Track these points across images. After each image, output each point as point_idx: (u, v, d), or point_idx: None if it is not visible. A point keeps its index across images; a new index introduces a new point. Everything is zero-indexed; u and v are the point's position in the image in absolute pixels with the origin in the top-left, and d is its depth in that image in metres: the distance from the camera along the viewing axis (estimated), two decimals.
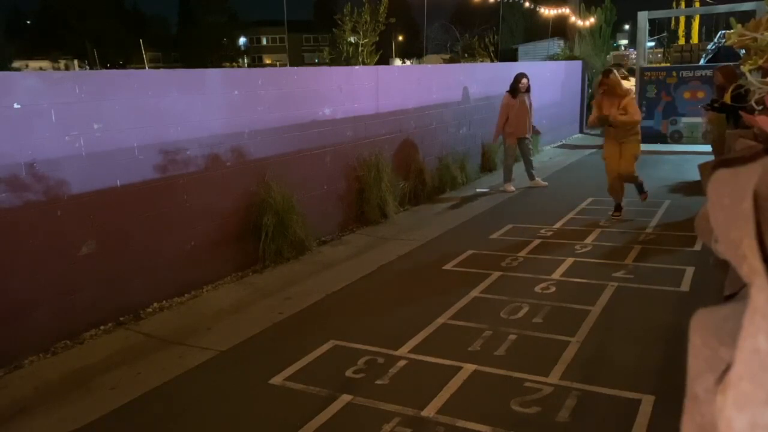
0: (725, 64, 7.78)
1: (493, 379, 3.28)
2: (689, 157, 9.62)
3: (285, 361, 3.58)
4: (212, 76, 5.16)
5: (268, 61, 60.88)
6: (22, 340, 3.77)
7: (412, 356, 3.58)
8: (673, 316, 3.98)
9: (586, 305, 4.21)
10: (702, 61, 13.09)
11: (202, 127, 4.89)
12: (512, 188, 8.25)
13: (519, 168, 9.96)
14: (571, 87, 13.71)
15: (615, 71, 6.45)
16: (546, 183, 8.51)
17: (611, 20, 14.70)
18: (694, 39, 32.32)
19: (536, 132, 8.95)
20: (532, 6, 20.86)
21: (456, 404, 3.05)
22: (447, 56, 30.72)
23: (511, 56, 21.98)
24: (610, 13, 14.58)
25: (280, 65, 44.60)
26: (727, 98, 6.47)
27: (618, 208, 6.59)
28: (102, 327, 4.20)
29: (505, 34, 33.75)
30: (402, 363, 3.50)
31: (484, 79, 9.73)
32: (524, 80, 8.18)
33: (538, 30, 31.28)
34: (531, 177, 8.52)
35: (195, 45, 55.25)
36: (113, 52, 52.30)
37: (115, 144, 4.27)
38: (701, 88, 10.94)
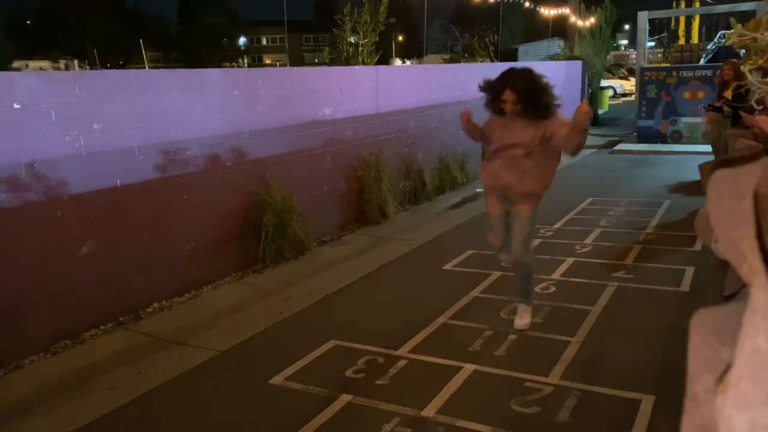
0: (733, 60, 7.75)
1: (493, 379, 3.28)
2: (689, 157, 9.62)
3: (285, 361, 3.58)
4: (212, 76, 5.16)
5: (268, 61, 60.87)
6: (22, 340, 3.77)
7: (412, 356, 3.58)
8: (673, 316, 3.97)
9: (586, 305, 4.21)
10: (702, 61, 13.11)
11: (202, 127, 4.89)
12: None
13: None
14: (571, 87, 13.71)
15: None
16: None
17: (611, 20, 14.70)
18: (694, 39, 32.36)
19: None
20: (532, 6, 20.86)
21: (456, 404, 3.05)
22: (447, 56, 30.78)
23: (511, 56, 21.99)
24: (610, 13, 14.58)
25: (280, 65, 44.61)
26: (728, 94, 6.47)
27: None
28: (102, 327, 4.20)
29: (505, 34, 33.76)
30: (402, 363, 3.50)
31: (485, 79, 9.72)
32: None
33: (538, 30, 31.28)
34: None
35: (195, 45, 55.25)
36: (113, 52, 52.30)
37: (115, 144, 4.27)
38: (701, 88, 10.95)
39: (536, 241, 5.81)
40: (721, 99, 6.85)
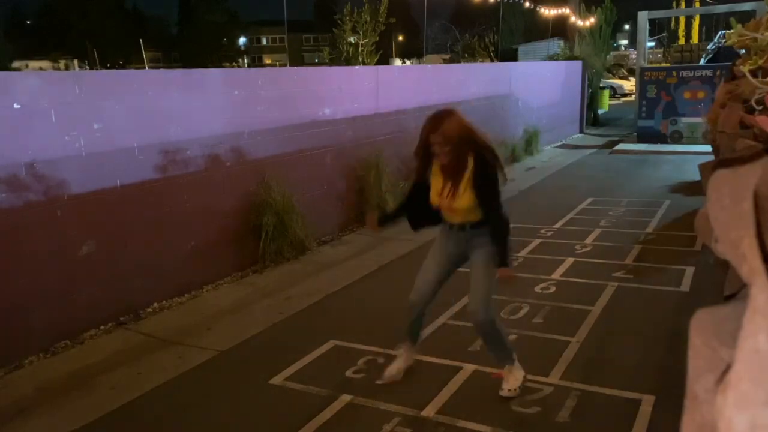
0: (734, 82, 7.72)
1: (493, 380, 3.28)
2: (689, 157, 9.62)
3: (285, 361, 3.58)
4: (212, 76, 5.16)
5: (268, 61, 60.90)
6: (22, 340, 3.77)
7: None
8: (673, 316, 3.97)
9: (586, 305, 4.21)
10: (702, 61, 13.10)
11: (202, 127, 4.89)
12: None
13: (517, 168, 9.98)
14: (571, 87, 13.71)
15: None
16: None
17: (611, 20, 14.70)
18: (694, 39, 32.38)
19: None
20: (532, 6, 20.86)
21: (456, 404, 3.05)
22: (447, 56, 30.75)
23: (511, 56, 21.97)
24: (610, 13, 14.58)
25: (280, 65, 44.62)
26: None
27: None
28: (102, 327, 4.20)
29: (505, 34, 33.75)
30: None
31: (484, 79, 9.72)
32: None
33: (538, 30, 31.28)
34: None
35: (195, 45, 55.26)
36: (113, 52, 52.31)
37: (115, 144, 4.27)
38: (701, 88, 10.94)
39: (536, 241, 5.81)
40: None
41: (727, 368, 0.49)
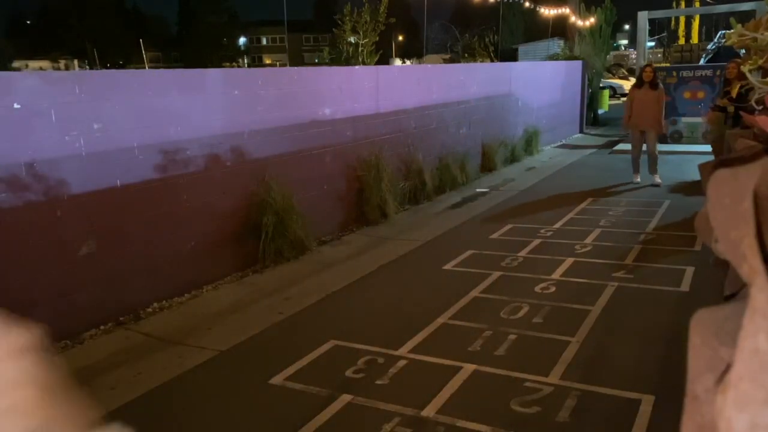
0: (738, 59, 7.71)
1: (493, 379, 3.28)
2: (689, 157, 9.61)
3: (285, 361, 3.58)
4: (212, 76, 5.16)
5: (268, 61, 60.90)
6: None
7: (412, 356, 3.58)
8: (673, 316, 3.97)
9: (586, 305, 4.21)
10: (702, 61, 13.11)
11: (202, 127, 4.89)
12: (638, 179, 8.25)
13: (517, 168, 9.97)
14: (571, 87, 13.71)
15: None
16: (660, 182, 8.08)
17: (611, 20, 14.70)
18: (694, 39, 32.40)
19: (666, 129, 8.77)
20: (532, 6, 20.85)
21: (456, 404, 3.05)
22: (447, 56, 30.77)
23: (511, 56, 21.97)
24: (610, 13, 14.58)
25: (280, 65, 44.61)
26: (734, 92, 6.45)
27: None
28: (102, 327, 4.20)
29: (505, 34, 33.77)
30: (402, 363, 3.50)
31: (484, 79, 9.73)
32: (647, 69, 8.05)
33: (538, 30, 31.30)
34: (652, 172, 8.21)
35: (195, 45, 55.26)
36: (113, 52, 52.31)
37: (115, 144, 4.27)
38: (701, 88, 10.95)
39: (536, 241, 5.81)
40: (726, 97, 6.86)
41: (727, 368, 0.49)
